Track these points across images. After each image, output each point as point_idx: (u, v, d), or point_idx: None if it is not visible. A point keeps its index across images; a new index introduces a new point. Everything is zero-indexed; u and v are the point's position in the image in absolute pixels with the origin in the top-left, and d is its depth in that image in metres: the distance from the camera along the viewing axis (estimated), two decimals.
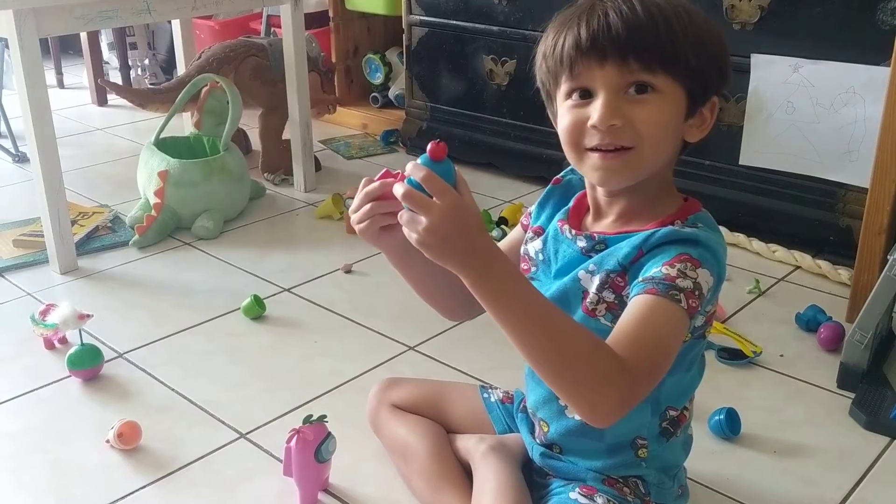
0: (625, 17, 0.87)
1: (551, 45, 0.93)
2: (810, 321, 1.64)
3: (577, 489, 1.02)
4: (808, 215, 1.95)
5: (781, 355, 1.56)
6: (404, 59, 2.73)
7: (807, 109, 1.90)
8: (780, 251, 1.95)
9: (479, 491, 1.07)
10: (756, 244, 1.99)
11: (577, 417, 1.01)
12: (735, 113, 2.01)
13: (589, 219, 1.02)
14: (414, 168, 0.83)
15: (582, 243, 0.98)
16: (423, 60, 2.64)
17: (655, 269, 0.89)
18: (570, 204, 1.04)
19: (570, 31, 0.90)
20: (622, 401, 0.83)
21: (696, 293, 0.87)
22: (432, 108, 2.66)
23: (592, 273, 0.95)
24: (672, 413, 1.02)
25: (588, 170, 0.94)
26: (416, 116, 2.71)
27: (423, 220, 0.81)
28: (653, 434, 1.02)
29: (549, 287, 1.00)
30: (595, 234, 0.97)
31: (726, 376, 1.50)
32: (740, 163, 2.02)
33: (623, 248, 0.93)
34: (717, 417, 1.33)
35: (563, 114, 0.94)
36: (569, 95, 0.93)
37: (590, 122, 0.90)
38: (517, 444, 1.15)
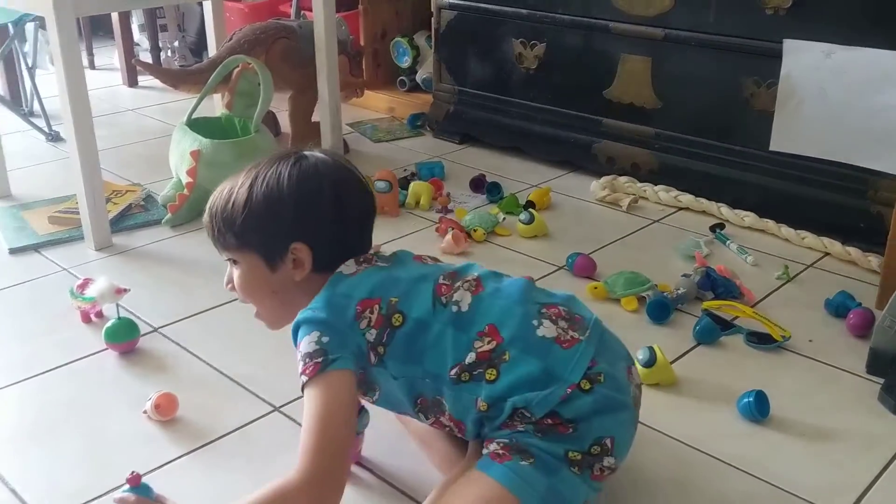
0: (209, 229, 1.18)
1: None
2: (839, 307, 1.64)
3: (485, 443, 1.07)
4: (838, 202, 1.95)
5: (810, 340, 1.56)
6: (432, 43, 2.74)
7: (839, 96, 1.89)
8: (809, 237, 1.95)
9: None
10: (785, 230, 1.99)
11: (457, 433, 1.13)
12: (766, 99, 2.00)
13: None
14: (121, 499, 1.07)
15: None
16: (451, 44, 2.65)
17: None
18: None
19: None
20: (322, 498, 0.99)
21: (307, 360, 1.05)
22: (460, 92, 2.66)
23: None
24: (453, 371, 1.05)
25: None
26: (444, 100, 2.72)
27: None
28: (471, 389, 1.05)
29: None
30: None
31: (755, 360, 1.51)
32: (771, 149, 2.02)
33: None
34: (746, 399, 1.34)
35: None
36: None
37: None
38: None
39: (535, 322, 1.06)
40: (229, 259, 1.19)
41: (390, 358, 1.08)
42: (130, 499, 1.06)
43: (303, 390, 1.05)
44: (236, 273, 1.18)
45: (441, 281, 1.11)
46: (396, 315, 1.08)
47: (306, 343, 1.06)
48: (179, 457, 1.26)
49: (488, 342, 1.05)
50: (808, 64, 1.92)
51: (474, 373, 1.04)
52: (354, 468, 1.23)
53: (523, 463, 1.01)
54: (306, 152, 1.17)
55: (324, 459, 0.99)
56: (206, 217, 1.18)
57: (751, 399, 1.33)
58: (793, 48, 1.93)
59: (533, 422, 1.02)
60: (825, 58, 1.89)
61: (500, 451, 1.03)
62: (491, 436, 1.06)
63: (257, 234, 1.13)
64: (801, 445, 1.29)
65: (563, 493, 1.01)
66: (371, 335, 1.07)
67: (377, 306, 1.08)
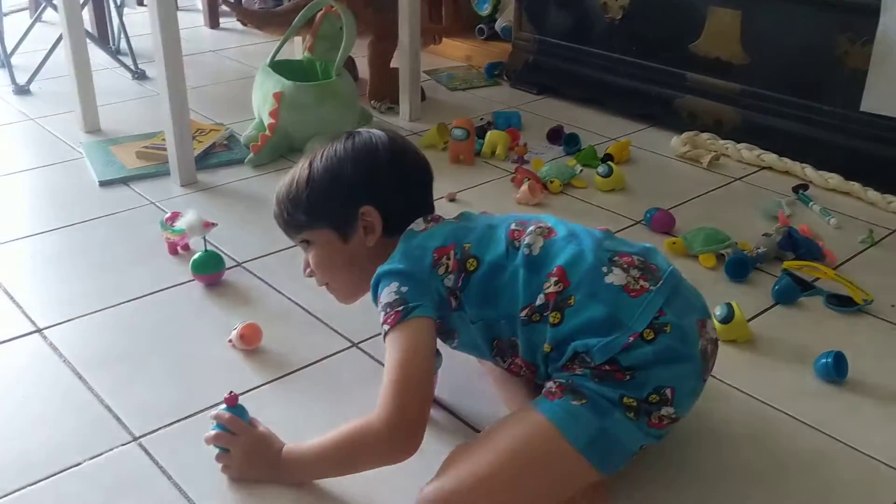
0: (276, 216, 1.25)
1: None
2: None
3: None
4: None
5: (893, 305, 1.53)
6: None
7: None
8: None
9: None
10: (871, 194, 1.94)
11: (530, 376, 1.16)
12: (859, 57, 1.94)
13: None
14: (217, 415, 1.12)
15: None
16: None
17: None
18: None
19: None
20: (400, 447, 1.02)
21: (388, 311, 1.07)
22: (540, 41, 2.64)
23: None
24: (524, 312, 1.07)
25: None
26: (523, 49, 2.70)
27: (230, 454, 1.10)
28: (535, 332, 1.07)
29: None
30: None
31: (835, 322, 1.49)
32: (861, 109, 1.96)
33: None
34: (824, 360, 1.33)
35: None
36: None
37: None
38: None
39: (604, 269, 1.07)
40: (302, 242, 1.23)
41: (467, 303, 1.11)
42: (225, 416, 1.12)
43: (385, 340, 1.07)
44: (311, 254, 1.22)
45: (513, 227, 1.13)
46: (471, 260, 1.10)
47: (386, 294, 1.08)
48: (262, 385, 1.30)
49: (555, 283, 1.06)
50: None
51: (543, 314, 1.06)
52: None
53: (574, 402, 1.02)
54: (358, 129, 1.22)
55: (404, 404, 1.01)
56: (274, 209, 1.23)
57: (829, 360, 1.32)
58: (891, 4, 1.86)
59: (591, 367, 1.04)
60: None
61: (554, 390, 1.05)
62: (552, 377, 1.08)
63: (325, 205, 1.18)
64: (877, 408, 1.28)
65: (617, 435, 1.02)
66: (449, 280, 1.10)
67: (452, 252, 1.11)
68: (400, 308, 1.06)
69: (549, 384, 1.07)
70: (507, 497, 1.00)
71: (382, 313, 1.08)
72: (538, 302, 1.06)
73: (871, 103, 1.94)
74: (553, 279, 1.06)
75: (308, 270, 1.25)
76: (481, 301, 1.10)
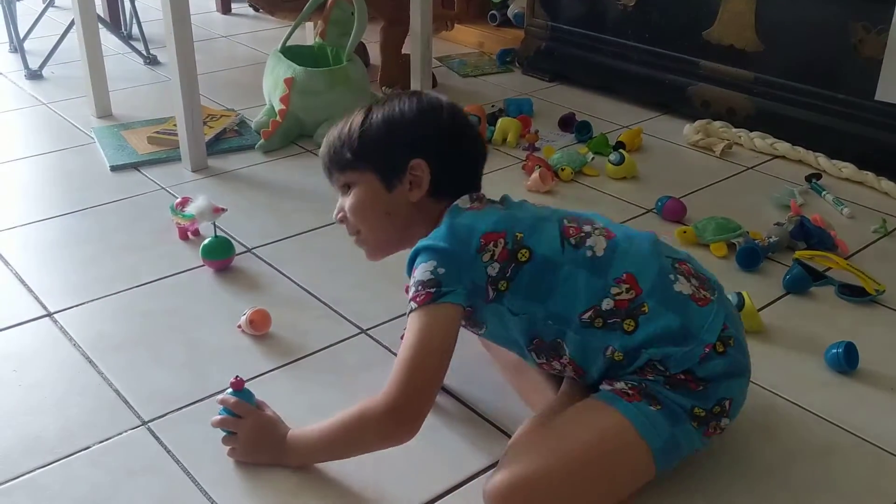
0: (322, 155, 1.19)
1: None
2: None
3: (604, 382, 1.09)
4: None
5: None
6: None
7: None
8: None
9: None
10: (885, 184, 1.92)
11: (573, 376, 1.13)
12: (875, 46, 1.92)
13: None
14: (223, 399, 1.12)
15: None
16: None
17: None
18: None
19: None
20: (399, 429, 1.02)
21: (419, 288, 1.04)
22: (552, 28, 2.62)
23: None
24: (586, 316, 1.05)
25: None
26: (535, 36, 2.68)
27: (236, 437, 1.10)
28: (604, 338, 1.05)
29: None
30: None
31: (846, 312, 1.48)
32: (876, 98, 1.94)
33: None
34: (834, 350, 1.32)
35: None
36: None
37: None
38: None
39: (671, 276, 1.07)
40: (343, 186, 1.18)
41: (512, 293, 1.07)
42: (231, 400, 1.12)
43: (408, 316, 1.06)
44: (349, 199, 1.17)
45: (567, 223, 1.10)
46: (523, 250, 1.06)
47: (422, 270, 1.05)
48: (271, 370, 1.31)
49: (627, 290, 1.04)
50: None
51: (609, 321, 1.04)
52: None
53: (651, 407, 1.02)
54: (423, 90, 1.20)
55: (409, 388, 1.01)
56: (321, 149, 1.19)
57: (840, 350, 1.31)
58: None
59: (666, 375, 1.04)
60: None
61: (629, 392, 1.04)
62: (621, 378, 1.06)
63: (377, 148, 1.14)
64: (887, 398, 1.27)
65: (682, 443, 1.04)
66: (493, 269, 1.06)
67: (502, 240, 1.06)
68: (432, 290, 1.03)
69: (621, 384, 1.05)
70: (576, 489, 1.00)
71: (413, 289, 1.05)
72: (605, 307, 1.04)
73: (886, 92, 1.92)
74: (624, 286, 1.05)
75: (340, 215, 1.19)
76: (529, 295, 1.07)
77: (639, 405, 1.03)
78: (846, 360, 1.31)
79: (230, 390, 1.14)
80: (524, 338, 1.11)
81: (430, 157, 1.12)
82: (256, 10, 3.03)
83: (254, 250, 1.65)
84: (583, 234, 1.09)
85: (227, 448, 1.12)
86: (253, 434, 1.11)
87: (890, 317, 1.47)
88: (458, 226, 1.08)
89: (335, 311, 1.46)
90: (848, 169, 1.98)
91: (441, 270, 1.04)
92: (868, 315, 1.48)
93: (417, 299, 1.04)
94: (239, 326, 1.39)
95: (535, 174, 1.93)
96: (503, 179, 1.98)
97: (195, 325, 1.42)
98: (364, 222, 1.18)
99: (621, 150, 2.01)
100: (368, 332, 1.40)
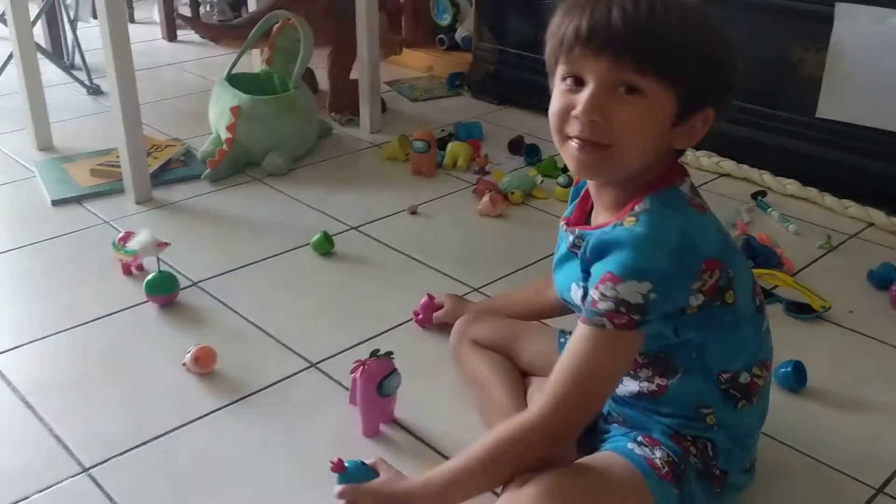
0: (627, 15, 0.86)
1: (557, 25, 0.92)
2: (882, 278, 1.61)
3: (639, 437, 1.02)
4: (884, 171, 1.90)
5: (851, 312, 1.54)
6: (473, 0, 2.70)
7: (891, 63, 1.83)
8: (853, 207, 1.91)
9: None
10: (829, 199, 1.95)
11: (640, 386, 1.03)
12: (815, 64, 1.95)
13: (594, 212, 1.04)
14: (339, 494, 1.02)
15: (570, 238, 1.01)
16: (492, 1, 2.61)
17: (591, 291, 0.93)
18: (577, 199, 1.07)
19: (575, 16, 0.89)
20: (556, 442, 0.94)
21: (621, 309, 0.89)
22: (500, 52, 2.63)
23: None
24: (726, 376, 1.00)
25: (567, 157, 0.95)
26: (484, 59, 2.69)
27: None
28: (716, 400, 1.01)
29: (558, 279, 1.07)
30: (577, 230, 1.00)
31: (794, 330, 1.49)
32: (817, 115, 1.97)
33: (584, 251, 0.96)
34: (783, 369, 1.32)
35: (555, 96, 0.94)
36: (564, 79, 0.92)
37: (573, 112, 0.91)
38: None
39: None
40: (627, 87, 0.88)
41: (689, 319, 0.94)
42: (341, 490, 1.02)
43: (587, 324, 0.92)
44: (630, 107, 0.89)
45: (754, 276, 1.03)
46: (730, 292, 0.94)
47: (632, 288, 0.89)
48: (217, 409, 1.28)
49: (761, 377, 1.03)
50: (859, 29, 1.86)
51: (732, 391, 1.00)
52: (389, 427, 1.24)
53: (674, 490, 0.97)
54: None
55: (572, 413, 0.93)
56: (662, 22, 0.87)
57: (788, 369, 1.32)
58: (845, 12, 1.88)
59: (708, 463, 1.02)
60: (878, 23, 1.84)
61: (662, 466, 0.98)
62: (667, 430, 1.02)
63: (712, 76, 0.91)
64: (838, 417, 1.28)
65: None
66: (696, 300, 0.93)
67: (718, 272, 0.93)
68: (636, 317, 0.89)
69: (659, 453, 0.99)
70: None
71: (609, 305, 0.90)
72: (742, 380, 1.01)
73: (827, 110, 1.96)
74: (765, 371, 1.03)
75: (592, 110, 0.89)
76: (700, 326, 0.96)
77: (667, 489, 0.96)
78: (795, 379, 1.31)
79: (337, 477, 1.04)
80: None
81: (720, 111, 0.95)
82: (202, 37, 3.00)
83: (199, 284, 1.62)
84: (761, 298, 1.03)
85: None
86: None
87: (836, 332, 1.49)
88: (686, 236, 0.91)
89: (284, 344, 1.43)
90: (792, 186, 2.01)
91: (653, 297, 0.89)
92: (815, 332, 1.49)
93: (615, 321, 0.89)
94: (184, 364, 1.35)
95: (486, 198, 1.92)
96: (454, 204, 1.98)
97: (138, 364, 1.38)
98: (629, 143, 0.91)
99: (569, 173, 2.01)
100: (318, 365, 1.38)
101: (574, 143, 0.92)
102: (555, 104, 0.94)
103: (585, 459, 1.01)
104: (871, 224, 1.88)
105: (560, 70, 0.92)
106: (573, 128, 0.91)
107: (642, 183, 0.95)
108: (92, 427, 1.23)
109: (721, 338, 0.98)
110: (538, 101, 2.51)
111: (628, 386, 1.04)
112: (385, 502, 1.01)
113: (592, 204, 1.03)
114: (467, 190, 2.04)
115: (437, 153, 2.17)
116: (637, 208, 0.93)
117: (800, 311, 1.52)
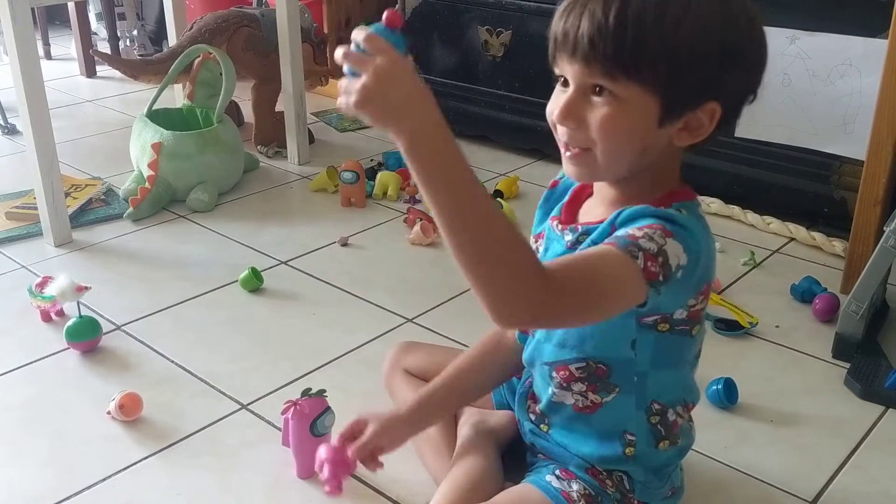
0: (597, 19, 0.84)
1: (550, 27, 0.92)
2: (805, 292, 1.65)
3: (557, 471, 1.03)
4: (802, 187, 1.96)
5: (777, 326, 1.57)
6: None
7: (803, 81, 1.90)
8: (774, 223, 1.96)
9: (450, 472, 1.09)
10: (751, 216, 2.00)
11: (574, 399, 1.02)
12: None
13: (582, 210, 1.01)
14: (359, 31, 0.77)
15: (568, 237, 0.97)
16: (416, 31, 2.62)
17: (621, 231, 0.87)
18: (565, 199, 1.04)
19: (560, 20, 0.89)
20: (530, 306, 0.78)
21: (659, 259, 0.83)
22: (426, 80, 2.63)
23: None
24: (657, 407, 1.00)
25: (562, 160, 0.94)
26: None
27: (360, 79, 0.75)
28: (642, 431, 1.00)
29: None
30: (579, 226, 0.97)
31: (723, 347, 1.52)
32: (736, 135, 2.02)
33: (598, 231, 0.91)
34: (714, 387, 1.34)
35: (552, 97, 0.93)
36: (557, 79, 0.93)
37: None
38: (501, 423, 1.17)
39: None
40: (598, 88, 0.87)
41: (651, 340, 0.95)
42: (363, 34, 0.76)
43: (617, 247, 0.84)
44: (602, 110, 0.87)
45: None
46: (698, 327, 0.98)
47: (676, 251, 0.84)
48: (145, 458, 1.23)
49: (686, 412, 1.06)
50: (772, 50, 1.89)
51: (659, 427, 1.01)
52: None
53: None
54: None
55: (578, 292, 0.82)
56: (609, 16, 0.84)
57: (719, 387, 1.34)
58: None
59: (625, 496, 1.02)
60: (789, 43, 1.90)
61: (578, 500, 0.99)
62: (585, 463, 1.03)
63: (687, 60, 0.84)
64: (768, 431, 1.30)
65: None
66: (681, 314, 0.93)
67: (706, 301, 0.95)
68: (660, 278, 0.84)
69: (577, 486, 1.00)
70: None
71: (652, 243, 0.83)
72: (670, 417, 1.02)
73: (745, 128, 2.01)
74: (689, 407, 1.06)
75: (563, 115, 0.89)
76: (657, 353, 0.96)
77: None
78: (726, 397, 1.33)
79: (378, 25, 0.78)
80: (586, 351, 0.97)
81: (728, 104, 0.89)
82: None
83: (123, 327, 1.57)
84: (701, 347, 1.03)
85: (343, 98, 0.78)
86: (383, 75, 0.75)
87: (764, 348, 1.52)
88: (709, 251, 0.90)
89: (213, 386, 1.39)
90: (715, 204, 2.06)
91: (679, 274, 0.85)
92: (743, 348, 1.52)
93: (648, 264, 0.83)
94: (108, 412, 1.30)
95: (417, 227, 1.92)
96: (386, 234, 1.96)
97: (60, 415, 1.33)
98: (606, 145, 0.89)
99: (499, 199, 2.03)
100: (249, 406, 1.34)
101: (562, 148, 0.93)
102: (549, 105, 0.93)
103: (503, 493, 1.01)
104: (793, 239, 1.93)
105: (555, 70, 0.93)
106: (560, 133, 0.92)
107: (657, 183, 0.93)
108: (12, 483, 1.18)
109: (666, 369, 0.99)
110: (465, 127, 2.56)
111: (562, 398, 1.02)
112: (392, 83, 0.75)
113: (582, 203, 1.02)
114: (398, 219, 2.03)
115: (366, 183, 2.15)
116: (673, 207, 0.89)
117: (728, 327, 1.55)
